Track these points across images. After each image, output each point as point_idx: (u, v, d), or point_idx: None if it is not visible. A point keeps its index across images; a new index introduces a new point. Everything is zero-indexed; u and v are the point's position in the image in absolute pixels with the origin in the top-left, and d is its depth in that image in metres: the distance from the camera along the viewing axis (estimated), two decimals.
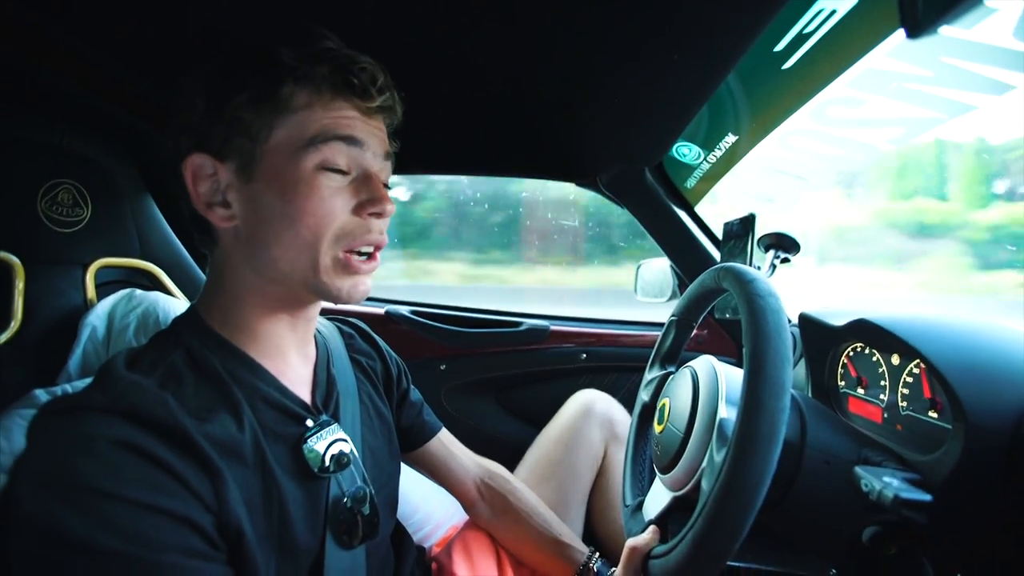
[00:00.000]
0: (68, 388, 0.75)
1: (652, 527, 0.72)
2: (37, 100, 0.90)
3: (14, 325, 0.79)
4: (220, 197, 0.63)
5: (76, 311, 0.86)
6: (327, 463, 0.66)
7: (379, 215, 0.65)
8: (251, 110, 0.60)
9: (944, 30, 0.50)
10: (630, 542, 0.72)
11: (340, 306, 1.59)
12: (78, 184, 0.86)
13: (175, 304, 0.92)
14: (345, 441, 0.69)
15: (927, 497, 0.60)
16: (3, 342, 0.77)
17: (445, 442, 0.99)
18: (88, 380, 0.70)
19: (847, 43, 0.91)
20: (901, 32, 0.54)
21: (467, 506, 1.02)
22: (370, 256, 0.67)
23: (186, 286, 1.07)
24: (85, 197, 0.87)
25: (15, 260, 0.79)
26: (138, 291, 0.91)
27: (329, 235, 0.62)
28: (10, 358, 0.77)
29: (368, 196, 0.64)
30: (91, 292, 0.89)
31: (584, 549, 0.96)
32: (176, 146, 0.63)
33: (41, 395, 0.71)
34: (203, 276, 1.12)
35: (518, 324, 1.62)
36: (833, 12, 0.87)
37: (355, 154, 0.64)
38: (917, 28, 0.51)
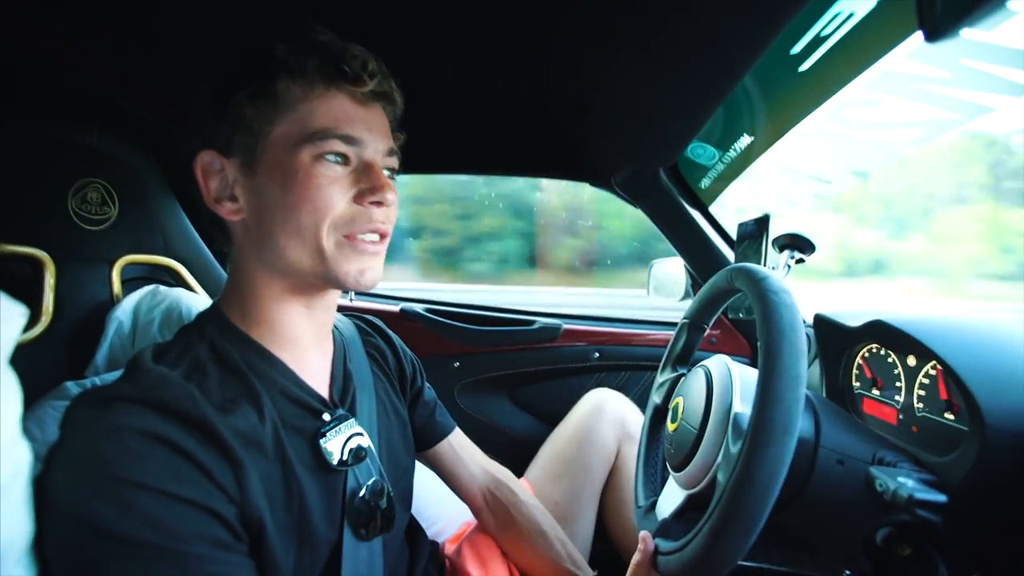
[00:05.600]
0: (97, 380, 0.77)
1: (645, 536, 0.71)
2: (68, 103, 0.92)
3: (45, 319, 0.81)
4: (228, 192, 0.64)
5: (103, 306, 0.88)
6: (344, 456, 0.67)
7: (379, 204, 0.65)
8: (251, 106, 0.62)
9: (963, 32, 0.50)
10: (634, 559, 0.71)
11: (356, 303, 1.62)
12: (107, 183, 0.88)
13: (197, 300, 0.94)
14: (362, 435, 0.71)
15: (942, 498, 0.60)
16: (36, 336, 0.80)
17: (455, 446, 0.99)
18: (116, 373, 0.73)
19: (865, 46, 0.90)
20: (919, 34, 0.54)
21: (474, 512, 1.02)
22: (376, 241, 0.68)
23: (207, 283, 1.09)
24: (113, 196, 0.89)
25: (46, 256, 0.81)
26: (162, 287, 0.94)
27: (328, 222, 0.63)
28: (42, 351, 0.79)
29: (368, 185, 0.65)
30: (117, 288, 0.91)
31: (588, 573, 0.96)
32: (189, 145, 0.65)
33: (72, 387, 0.74)
34: (223, 273, 1.14)
35: (531, 322, 1.63)
36: (851, 15, 0.87)
37: (355, 149, 0.65)
38: (936, 31, 0.51)
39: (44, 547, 0.51)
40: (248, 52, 0.64)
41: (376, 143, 0.67)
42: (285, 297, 0.68)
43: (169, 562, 0.49)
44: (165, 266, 1.02)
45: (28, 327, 0.79)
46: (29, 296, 0.80)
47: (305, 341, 0.71)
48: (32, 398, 0.70)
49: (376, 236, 0.67)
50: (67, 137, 0.89)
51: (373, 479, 0.71)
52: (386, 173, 0.69)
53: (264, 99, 0.62)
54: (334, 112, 0.64)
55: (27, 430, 0.58)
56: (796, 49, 0.97)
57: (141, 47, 0.84)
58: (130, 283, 0.94)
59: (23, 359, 0.58)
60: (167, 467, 0.52)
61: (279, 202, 0.62)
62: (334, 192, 0.63)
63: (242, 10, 0.74)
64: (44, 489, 0.51)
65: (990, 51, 0.84)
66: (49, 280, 0.81)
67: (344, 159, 0.64)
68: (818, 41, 0.94)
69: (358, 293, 1.72)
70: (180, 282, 1.04)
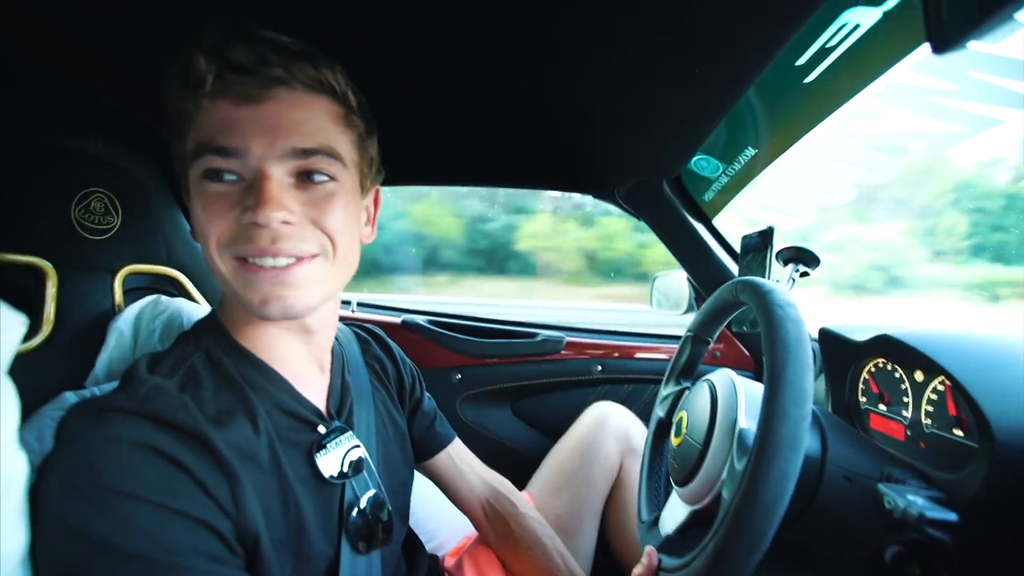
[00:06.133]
0: (96, 391, 0.76)
1: (650, 551, 0.70)
2: (72, 110, 0.93)
3: (46, 329, 0.80)
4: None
5: (104, 316, 0.87)
6: (342, 470, 0.66)
7: (257, 224, 0.56)
8: (174, 130, 0.61)
9: (971, 44, 0.49)
10: (634, 572, 0.70)
11: (357, 314, 1.62)
12: (110, 193, 0.88)
13: (199, 310, 0.94)
14: (359, 447, 0.70)
15: (953, 516, 0.59)
16: (36, 345, 0.79)
17: (455, 457, 0.98)
18: (115, 383, 0.72)
19: (871, 57, 0.90)
20: (926, 46, 0.54)
21: (474, 523, 1.01)
22: (276, 266, 0.59)
23: (209, 293, 1.09)
24: (116, 206, 0.89)
25: (48, 266, 0.81)
26: (164, 297, 0.93)
27: (213, 244, 0.58)
28: (42, 361, 0.79)
29: (250, 202, 0.56)
30: (119, 298, 0.91)
31: None
32: None
33: (71, 397, 0.73)
34: None
35: (533, 335, 1.62)
36: (857, 26, 0.87)
37: (237, 161, 0.57)
38: (944, 43, 0.51)
39: (36, 557, 0.50)
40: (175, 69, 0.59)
41: (268, 146, 0.57)
42: (254, 319, 0.65)
43: (162, 575, 0.48)
44: (167, 276, 1.02)
45: (29, 336, 0.79)
46: (30, 305, 0.80)
47: (294, 357, 0.69)
48: (32, 408, 0.70)
49: (274, 260, 0.58)
50: (71, 145, 0.89)
51: (372, 492, 0.70)
52: (317, 177, 0.60)
53: (172, 120, 0.61)
54: (211, 121, 0.57)
55: (25, 440, 0.57)
56: (802, 60, 0.97)
57: (147, 53, 0.85)
58: (132, 293, 0.94)
59: (23, 368, 0.57)
60: (162, 479, 0.51)
61: (195, 224, 0.60)
62: (215, 212, 0.57)
63: (251, 14, 0.75)
64: (37, 499, 0.51)
65: (997, 63, 0.84)
66: (51, 289, 0.81)
67: (231, 174, 0.57)
68: (824, 52, 0.94)
69: (360, 304, 1.72)
70: (182, 292, 1.04)
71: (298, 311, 0.61)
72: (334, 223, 0.61)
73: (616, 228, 4.19)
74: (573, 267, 4.25)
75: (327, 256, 0.62)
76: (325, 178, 0.61)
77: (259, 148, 0.57)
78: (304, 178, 0.60)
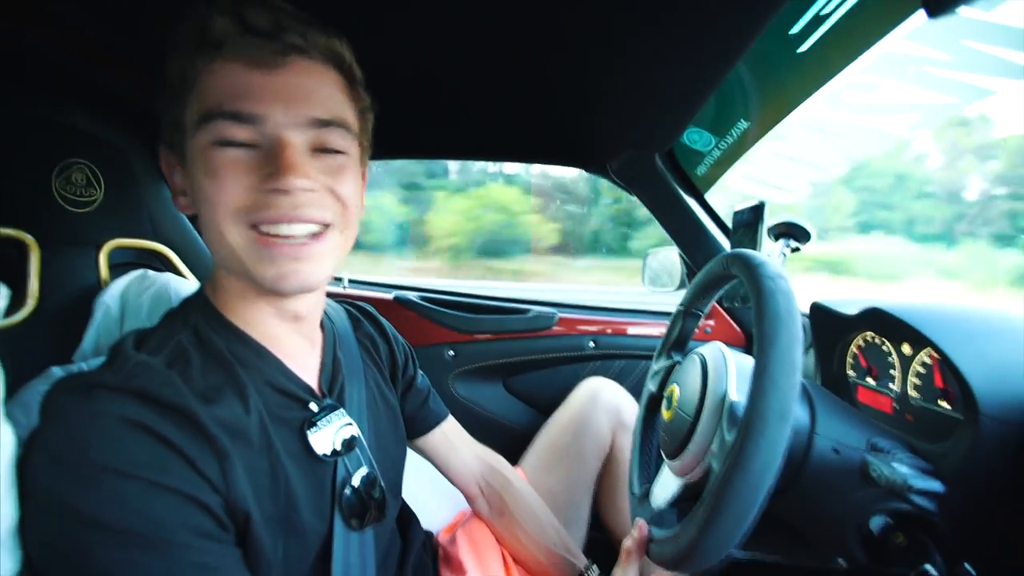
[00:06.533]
0: (84, 366, 0.75)
1: (640, 523, 0.71)
2: (53, 81, 0.90)
3: (31, 303, 0.80)
4: (181, 186, 0.62)
5: (90, 291, 0.86)
6: (333, 447, 0.66)
7: (282, 192, 0.56)
8: (168, 94, 0.59)
9: (964, 11, 0.49)
10: (624, 544, 0.72)
11: (348, 290, 1.62)
12: (92, 165, 0.87)
13: (187, 285, 0.93)
14: (351, 425, 0.70)
15: (938, 486, 0.60)
16: (21, 320, 0.78)
17: (448, 434, 0.98)
18: (102, 358, 0.71)
19: (865, 25, 0.89)
20: (920, 14, 0.53)
21: (468, 499, 1.02)
22: (294, 237, 0.58)
23: (197, 268, 1.07)
24: (99, 178, 0.88)
25: (30, 239, 0.80)
26: (151, 272, 0.92)
27: (228, 213, 0.56)
28: (28, 336, 0.78)
29: (269, 169, 0.56)
30: (104, 272, 0.90)
31: (582, 560, 0.96)
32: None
33: (58, 372, 0.72)
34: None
35: (526, 311, 1.62)
36: None
37: (254, 127, 0.56)
38: (938, 7, 0.50)
39: (25, 532, 0.50)
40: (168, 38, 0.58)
41: (287, 114, 0.56)
42: (249, 296, 0.64)
43: (152, 551, 0.48)
44: (154, 251, 1.01)
45: (13, 311, 0.78)
46: (14, 280, 0.78)
47: (283, 334, 0.68)
48: (18, 383, 0.69)
49: (294, 229, 0.58)
50: (51, 116, 0.87)
51: (365, 470, 0.70)
52: (329, 149, 0.60)
53: (171, 84, 0.58)
54: (222, 86, 0.55)
55: (12, 415, 0.57)
56: (795, 29, 0.95)
57: (130, 24, 0.82)
58: (118, 268, 0.93)
59: (8, 343, 0.57)
60: (150, 455, 0.50)
61: (200, 195, 0.58)
62: (230, 180, 0.56)
63: None
64: (24, 475, 0.50)
65: (991, 31, 0.83)
66: (34, 263, 0.80)
67: (245, 141, 0.56)
68: (817, 20, 0.92)
69: (352, 280, 1.72)
70: (169, 267, 1.03)
71: (312, 285, 0.61)
72: (348, 192, 0.62)
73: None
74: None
75: (338, 226, 0.62)
76: (338, 148, 0.61)
77: (278, 115, 0.56)
78: (319, 147, 0.60)
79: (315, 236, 0.60)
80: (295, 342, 0.70)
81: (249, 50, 0.55)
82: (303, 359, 0.71)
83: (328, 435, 0.66)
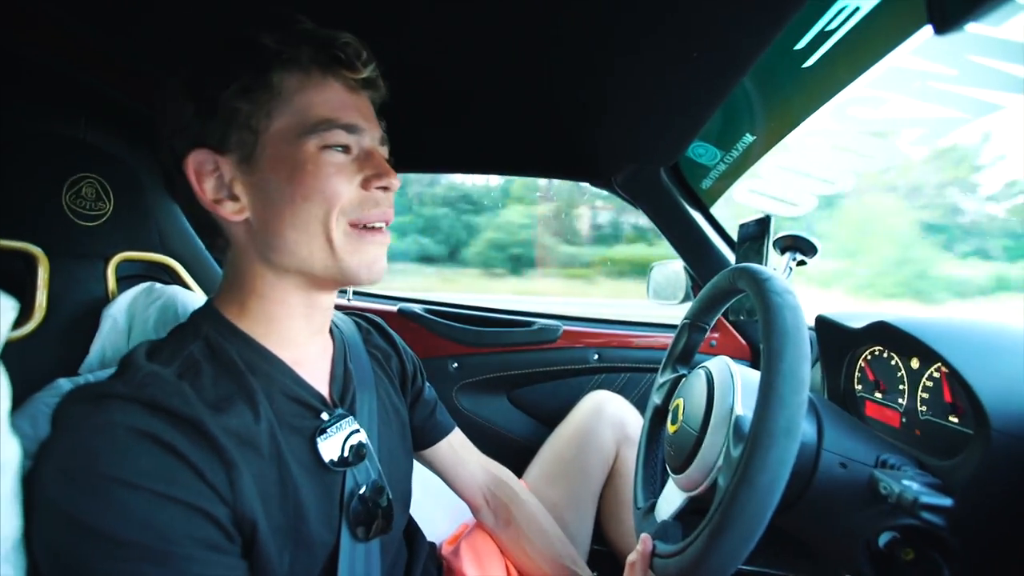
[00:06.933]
0: (91, 378, 0.76)
1: (644, 537, 0.71)
2: (62, 96, 0.91)
3: (38, 316, 0.80)
4: (226, 192, 0.63)
5: (98, 303, 0.87)
6: (342, 455, 0.66)
7: (385, 188, 0.66)
8: (245, 100, 0.60)
9: (971, 27, 0.49)
10: (629, 558, 0.71)
11: (354, 303, 1.62)
12: (101, 179, 0.87)
13: (193, 298, 0.93)
14: (360, 432, 0.70)
15: (948, 501, 0.59)
16: (29, 332, 0.79)
17: (455, 445, 0.99)
18: (110, 370, 0.72)
19: (871, 41, 0.89)
20: (926, 30, 0.53)
21: (473, 511, 1.02)
22: (381, 230, 0.68)
23: (203, 281, 1.08)
24: (108, 191, 0.88)
25: (39, 252, 0.80)
26: (158, 285, 0.93)
27: (337, 210, 0.63)
28: (35, 348, 0.78)
29: (373, 171, 0.65)
30: (112, 285, 0.90)
31: (587, 572, 0.96)
32: (171, 149, 0.63)
33: (65, 384, 0.72)
34: (219, 271, 1.14)
35: (530, 324, 1.62)
36: (856, 9, 0.86)
37: (355, 137, 0.65)
38: (945, 23, 0.50)
39: (32, 543, 0.50)
40: (232, 44, 0.62)
41: (372, 130, 0.68)
42: (288, 297, 0.67)
43: (158, 563, 0.48)
44: (161, 263, 1.01)
45: (21, 323, 0.78)
46: (22, 292, 0.79)
47: (304, 340, 0.70)
48: (24, 395, 0.69)
49: (382, 224, 0.68)
50: (61, 131, 0.88)
51: (372, 480, 0.70)
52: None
53: (258, 92, 0.61)
54: (331, 102, 0.64)
55: (19, 426, 0.57)
56: (800, 44, 0.96)
57: (138, 38, 0.83)
58: (125, 280, 0.93)
59: (16, 355, 0.57)
60: (158, 466, 0.51)
61: (286, 196, 0.61)
62: (341, 180, 0.63)
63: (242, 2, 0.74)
64: (33, 485, 0.51)
65: (998, 47, 0.83)
66: (42, 276, 0.80)
67: (345, 148, 0.64)
68: (823, 36, 0.93)
69: (356, 293, 1.72)
70: (176, 280, 1.03)
71: (383, 273, 0.69)
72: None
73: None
74: None
75: None
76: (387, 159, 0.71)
77: (369, 129, 0.67)
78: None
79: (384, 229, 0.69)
80: (308, 349, 0.71)
81: (347, 75, 0.66)
82: (315, 369, 0.71)
83: (337, 441, 0.67)
